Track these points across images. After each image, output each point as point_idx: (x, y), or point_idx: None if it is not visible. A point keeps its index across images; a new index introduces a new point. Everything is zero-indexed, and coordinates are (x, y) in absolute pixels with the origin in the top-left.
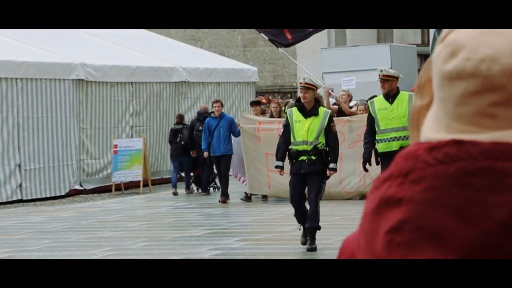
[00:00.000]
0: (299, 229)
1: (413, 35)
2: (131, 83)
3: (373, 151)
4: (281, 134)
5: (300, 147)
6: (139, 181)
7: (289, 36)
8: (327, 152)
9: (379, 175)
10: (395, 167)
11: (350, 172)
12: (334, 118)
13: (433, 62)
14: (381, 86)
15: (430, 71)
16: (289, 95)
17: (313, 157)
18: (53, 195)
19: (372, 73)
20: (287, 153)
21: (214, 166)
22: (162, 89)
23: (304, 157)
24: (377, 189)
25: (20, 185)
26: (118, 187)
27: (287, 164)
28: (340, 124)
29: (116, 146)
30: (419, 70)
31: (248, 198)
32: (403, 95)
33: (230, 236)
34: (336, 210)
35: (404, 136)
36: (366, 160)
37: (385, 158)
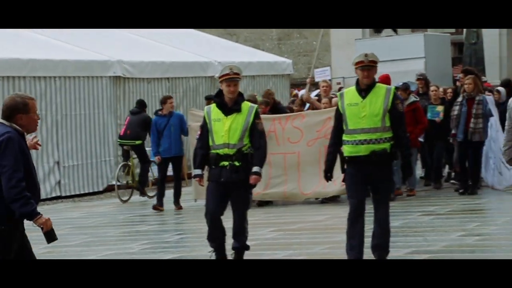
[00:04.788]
0: (210, 257)
1: None
2: (168, 78)
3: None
4: (197, 137)
5: (220, 151)
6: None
7: None
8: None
9: None
10: None
11: (308, 172)
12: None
13: None
14: (363, 76)
15: None
16: None
17: (237, 163)
18: (91, 191)
19: (408, 62)
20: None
21: (157, 169)
22: (198, 84)
23: (226, 163)
24: None
25: (59, 182)
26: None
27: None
28: (298, 119)
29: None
30: (453, 58)
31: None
32: (380, 89)
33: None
34: (296, 214)
35: (376, 139)
36: (329, 168)
37: (352, 164)
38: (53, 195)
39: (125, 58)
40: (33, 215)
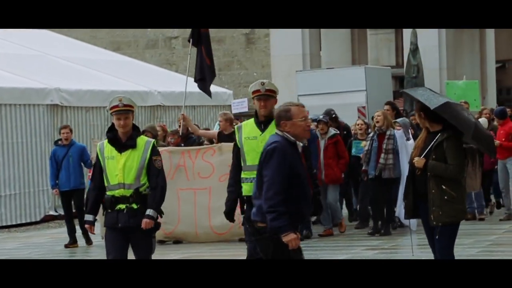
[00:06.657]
0: None
1: (388, 57)
2: (106, 107)
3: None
4: (90, 177)
5: (116, 192)
6: None
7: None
8: None
9: None
10: None
11: (219, 209)
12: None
13: None
14: (260, 106)
15: None
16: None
17: (135, 206)
18: (28, 221)
19: (349, 95)
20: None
21: (61, 204)
22: (138, 113)
23: (123, 206)
24: None
25: None
26: None
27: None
28: (209, 152)
29: (90, 171)
30: (394, 92)
31: None
32: None
33: None
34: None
35: None
36: (230, 208)
37: (251, 205)
38: None
39: (62, 86)
40: (281, 231)
